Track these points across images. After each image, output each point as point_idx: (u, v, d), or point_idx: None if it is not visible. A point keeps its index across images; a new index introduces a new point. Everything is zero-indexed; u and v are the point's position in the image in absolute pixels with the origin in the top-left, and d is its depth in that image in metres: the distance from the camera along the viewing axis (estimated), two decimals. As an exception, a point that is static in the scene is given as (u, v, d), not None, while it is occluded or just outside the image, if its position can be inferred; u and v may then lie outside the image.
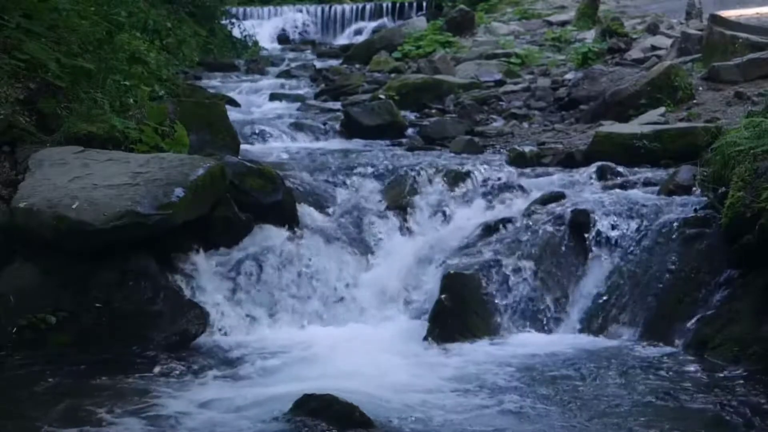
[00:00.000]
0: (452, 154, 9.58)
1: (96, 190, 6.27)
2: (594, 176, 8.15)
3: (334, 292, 6.84)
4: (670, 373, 5.59)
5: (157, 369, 5.72)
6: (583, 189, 7.94)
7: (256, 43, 22.21)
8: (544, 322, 6.53)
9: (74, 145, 7.06)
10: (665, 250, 6.55)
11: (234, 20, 22.97)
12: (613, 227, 6.80)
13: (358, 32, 25.11)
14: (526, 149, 9.39)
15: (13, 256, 6.21)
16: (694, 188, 7.22)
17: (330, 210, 7.57)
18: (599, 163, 8.31)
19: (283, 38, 25.70)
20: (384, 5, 26.54)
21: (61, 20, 8.05)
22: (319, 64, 18.78)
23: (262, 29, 25.15)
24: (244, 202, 6.99)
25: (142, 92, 8.47)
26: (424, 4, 26.53)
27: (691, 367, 5.65)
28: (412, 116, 12.07)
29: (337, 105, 13.20)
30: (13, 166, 6.80)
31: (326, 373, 5.63)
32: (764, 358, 5.59)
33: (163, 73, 12.18)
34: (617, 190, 7.70)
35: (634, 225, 6.80)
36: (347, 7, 26.79)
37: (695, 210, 6.76)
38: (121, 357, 5.86)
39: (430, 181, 7.89)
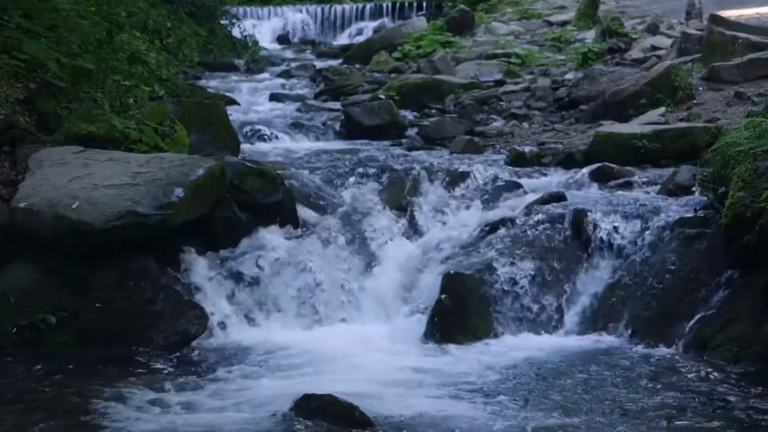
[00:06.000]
0: (452, 154, 9.58)
1: (96, 190, 6.27)
2: (594, 176, 8.15)
3: (333, 293, 6.83)
4: (670, 373, 5.59)
5: (156, 369, 5.72)
6: (583, 189, 7.95)
7: (256, 43, 22.19)
8: (544, 322, 6.53)
9: (74, 145, 7.06)
10: (665, 250, 6.55)
11: (234, 20, 22.95)
12: (613, 227, 6.80)
13: (358, 32, 25.11)
14: (526, 149, 9.39)
15: (13, 256, 6.21)
16: (694, 188, 7.22)
17: (330, 210, 7.56)
18: (599, 163, 8.32)
19: (283, 38, 25.69)
20: (384, 5, 26.53)
21: (61, 20, 8.04)
22: (319, 64, 18.78)
23: (262, 29, 25.14)
24: (244, 202, 6.99)
25: (142, 92, 8.46)
26: (424, 4, 26.52)
27: (691, 367, 5.65)
28: (412, 116, 12.08)
29: (337, 105, 13.21)
30: (13, 166, 6.79)
31: (326, 373, 5.63)
32: (764, 358, 5.59)
33: (163, 73, 12.17)
34: (617, 191, 7.71)
35: (634, 225, 6.79)
36: (347, 7, 26.78)
37: (695, 210, 6.76)
38: (121, 357, 5.85)
39: (430, 181, 7.89)
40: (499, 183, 7.91)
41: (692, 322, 6.09)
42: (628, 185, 7.87)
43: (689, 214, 6.73)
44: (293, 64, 18.95)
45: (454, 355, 6.04)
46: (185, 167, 6.61)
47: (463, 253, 7.02)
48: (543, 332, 6.46)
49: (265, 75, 17.65)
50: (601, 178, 8.10)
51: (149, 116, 7.81)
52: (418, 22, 22.13)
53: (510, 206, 7.58)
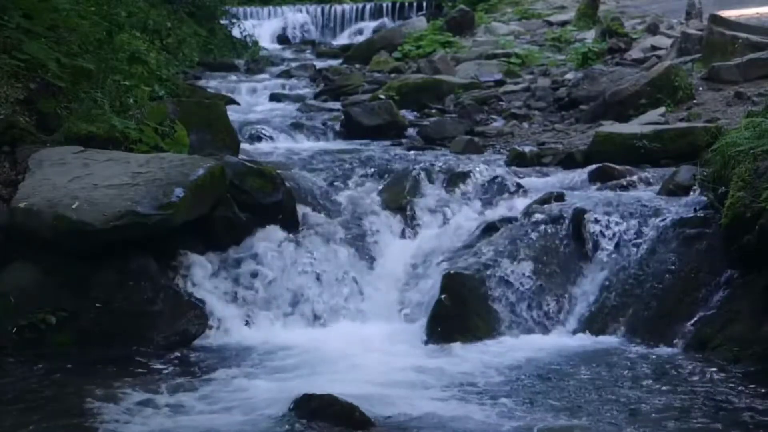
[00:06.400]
0: (452, 154, 9.58)
1: (96, 190, 6.27)
2: (594, 176, 8.15)
3: (333, 293, 6.83)
4: (670, 373, 5.59)
5: (156, 369, 5.72)
6: (583, 189, 7.95)
7: (256, 43, 22.19)
8: (544, 323, 6.52)
9: (74, 145, 7.06)
10: (665, 250, 6.55)
11: (234, 20, 22.95)
12: (613, 227, 6.79)
13: (358, 32, 25.11)
14: (526, 149, 9.40)
15: (13, 256, 6.21)
16: (694, 188, 7.21)
17: (330, 210, 7.57)
18: (599, 164, 8.31)
19: (283, 38, 25.69)
20: (384, 5, 26.53)
21: (61, 20, 8.04)
22: (319, 64, 18.78)
23: (262, 29, 25.14)
24: (244, 202, 6.99)
25: (142, 92, 8.46)
26: (424, 4, 26.52)
27: (692, 368, 5.65)
28: (412, 116, 12.09)
29: (337, 105, 13.23)
30: (13, 166, 6.80)
31: (326, 373, 5.63)
32: (764, 358, 5.59)
33: (163, 73, 12.17)
34: (617, 191, 7.71)
35: (633, 225, 6.79)
36: (347, 7, 26.78)
37: (695, 210, 6.76)
38: (121, 357, 5.86)
39: (430, 181, 7.88)
40: (499, 183, 7.90)
41: (692, 322, 6.09)
42: (628, 185, 7.86)
43: (689, 214, 6.72)
44: (293, 64, 18.96)
45: (454, 355, 6.03)
46: (185, 167, 6.61)
47: (463, 253, 7.01)
48: (543, 332, 6.46)
49: (265, 75, 17.66)
50: (601, 178, 8.09)
51: (149, 116, 7.81)
52: (418, 22, 22.14)
53: (510, 206, 7.58)
